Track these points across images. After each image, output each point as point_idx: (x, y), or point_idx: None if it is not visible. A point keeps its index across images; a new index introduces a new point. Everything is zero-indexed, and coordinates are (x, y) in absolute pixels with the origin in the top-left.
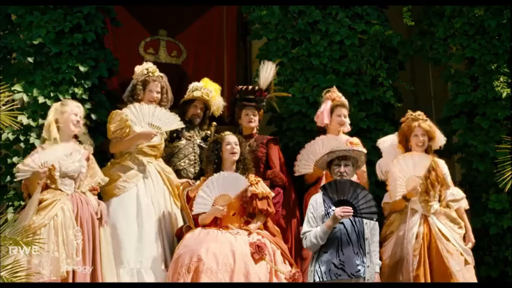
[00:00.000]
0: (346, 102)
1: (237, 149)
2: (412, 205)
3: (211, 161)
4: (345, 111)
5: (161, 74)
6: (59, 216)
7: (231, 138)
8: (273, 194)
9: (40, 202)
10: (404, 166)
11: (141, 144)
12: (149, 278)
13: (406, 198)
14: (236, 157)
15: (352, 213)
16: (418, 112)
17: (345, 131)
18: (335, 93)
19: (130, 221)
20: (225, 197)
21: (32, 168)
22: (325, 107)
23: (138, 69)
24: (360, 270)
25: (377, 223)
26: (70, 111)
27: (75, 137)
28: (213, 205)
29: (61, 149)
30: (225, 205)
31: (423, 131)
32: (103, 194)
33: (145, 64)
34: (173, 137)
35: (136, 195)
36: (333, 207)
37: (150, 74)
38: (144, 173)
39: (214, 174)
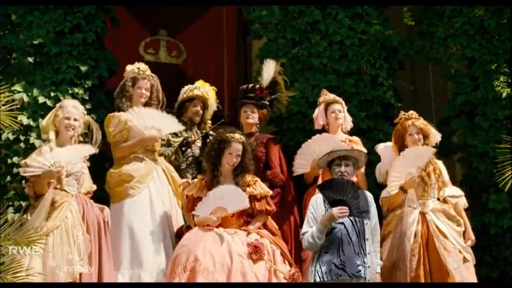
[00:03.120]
0: (339, 98)
1: (237, 161)
2: (410, 203)
3: (210, 161)
4: (339, 107)
5: (152, 74)
6: (69, 218)
7: (235, 149)
8: (271, 193)
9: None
10: (405, 158)
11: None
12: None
13: (404, 190)
14: (232, 167)
15: (348, 213)
16: (411, 111)
17: (346, 128)
18: (326, 96)
19: (145, 222)
20: (222, 210)
21: (44, 166)
22: (319, 109)
23: (129, 67)
24: (360, 271)
25: (378, 223)
26: (63, 116)
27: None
28: (210, 213)
29: (72, 150)
30: (220, 217)
31: (417, 129)
32: (113, 195)
33: (136, 64)
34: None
35: (149, 195)
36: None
37: (141, 72)
38: (153, 172)
39: (220, 187)
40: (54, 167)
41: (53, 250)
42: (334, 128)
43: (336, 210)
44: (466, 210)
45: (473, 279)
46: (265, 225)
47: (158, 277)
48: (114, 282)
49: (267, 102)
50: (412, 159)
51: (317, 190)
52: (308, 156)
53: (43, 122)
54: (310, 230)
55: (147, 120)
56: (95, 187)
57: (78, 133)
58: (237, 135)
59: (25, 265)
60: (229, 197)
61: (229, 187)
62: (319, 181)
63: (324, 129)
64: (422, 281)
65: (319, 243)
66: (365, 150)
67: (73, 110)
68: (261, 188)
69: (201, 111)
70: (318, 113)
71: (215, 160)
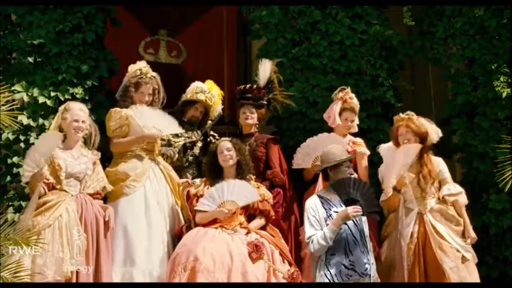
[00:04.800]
0: (356, 106)
1: (230, 154)
2: (408, 204)
3: (211, 170)
4: (353, 116)
5: (154, 74)
6: (64, 217)
7: (223, 145)
8: (271, 196)
9: (45, 203)
10: (394, 160)
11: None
12: (160, 279)
13: (397, 190)
14: (230, 163)
15: (361, 213)
16: (407, 112)
17: (352, 132)
18: (347, 95)
19: (140, 221)
20: (233, 204)
21: (31, 169)
22: (336, 108)
23: (131, 68)
24: (367, 269)
25: (366, 220)
26: (71, 119)
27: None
28: (218, 207)
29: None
30: (231, 210)
31: (406, 128)
32: (109, 194)
33: (138, 64)
34: (186, 146)
35: (144, 194)
36: (334, 209)
37: (143, 76)
38: (149, 171)
39: (230, 180)
40: (37, 169)
41: (42, 248)
42: (342, 132)
43: (351, 210)
44: (466, 210)
45: (473, 278)
46: (264, 229)
47: (151, 276)
48: (113, 282)
49: (265, 102)
50: (400, 159)
51: (317, 190)
52: (311, 153)
53: (51, 127)
54: (318, 233)
55: (149, 120)
56: (110, 188)
57: (85, 135)
58: (223, 138)
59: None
60: (239, 191)
61: (236, 181)
62: (320, 179)
63: (331, 127)
64: (417, 280)
65: (330, 244)
66: (368, 152)
67: (80, 112)
68: (264, 191)
69: (200, 117)
70: (333, 112)
71: (214, 168)
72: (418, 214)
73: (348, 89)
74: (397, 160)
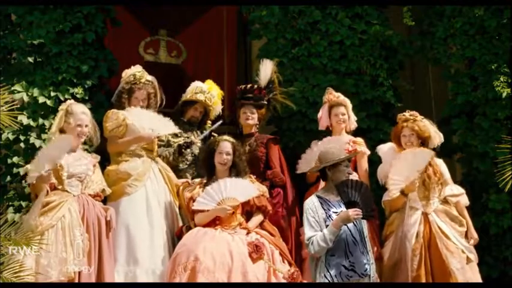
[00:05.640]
0: (343, 100)
1: (228, 158)
2: (412, 203)
3: (204, 165)
4: (342, 110)
5: (149, 79)
6: (67, 217)
7: (224, 146)
8: (266, 190)
9: (47, 204)
10: (404, 161)
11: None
12: (162, 278)
13: (404, 194)
14: (225, 167)
15: (361, 216)
16: (412, 112)
17: (350, 129)
18: (331, 95)
19: (142, 220)
20: (233, 200)
21: (38, 171)
22: (323, 110)
23: (125, 74)
24: (367, 269)
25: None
26: (74, 124)
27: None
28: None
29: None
30: (232, 207)
31: (410, 131)
32: (111, 194)
33: (133, 69)
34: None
35: (146, 194)
36: (333, 210)
37: (137, 82)
38: (150, 171)
39: (226, 178)
40: (44, 171)
41: (46, 248)
42: (338, 130)
43: (352, 212)
44: (466, 210)
45: (477, 278)
46: (263, 226)
47: (154, 275)
48: (115, 282)
49: (266, 102)
50: (411, 162)
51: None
52: (314, 157)
53: (52, 129)
54: (318, 234)
55: (145, 121)
56: (109, 191)
57: (87, 137)
58: (225, 137)
59: (19, 263)
60: (238, 188)
61: (233, 178)
62: (321, 181)
63: (328, 130)
64: (423, 281)
65: (330, 245)
66: (368, 152)
67: (83, 116)
68: (259, 186)
69: (200, 117)
70: (322, 114)
71: (209, 164)
72: (423, 214)
73: (330, 89)
74: (406, 163)
